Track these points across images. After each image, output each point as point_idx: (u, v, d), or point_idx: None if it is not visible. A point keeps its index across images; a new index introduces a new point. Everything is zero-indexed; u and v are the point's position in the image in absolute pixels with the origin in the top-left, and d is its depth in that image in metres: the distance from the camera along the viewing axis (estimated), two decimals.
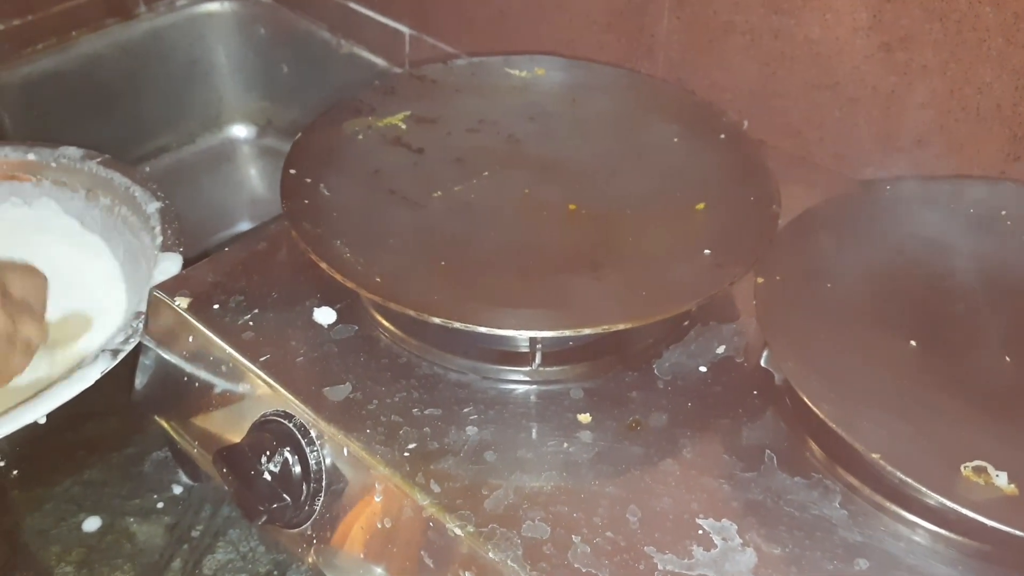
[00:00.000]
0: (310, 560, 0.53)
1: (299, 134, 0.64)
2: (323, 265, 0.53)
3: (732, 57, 0.77)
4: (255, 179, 1.15)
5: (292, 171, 0.60)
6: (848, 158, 0.73)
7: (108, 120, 1.04)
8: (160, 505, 0.63)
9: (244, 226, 1.10)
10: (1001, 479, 0.43)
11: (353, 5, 1.02)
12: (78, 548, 0.61)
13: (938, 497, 0.42)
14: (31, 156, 0.76)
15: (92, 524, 0.62)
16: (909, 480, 0.42)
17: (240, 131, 1.14)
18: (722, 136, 0.65)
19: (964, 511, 0.41)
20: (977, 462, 0.43)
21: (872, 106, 0.71)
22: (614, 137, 0.67)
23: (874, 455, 0.43)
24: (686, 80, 0.80)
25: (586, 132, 0.67)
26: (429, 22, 0.96)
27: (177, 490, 0.64)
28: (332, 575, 0.52)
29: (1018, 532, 0.40)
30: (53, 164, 0.75)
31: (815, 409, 0.45)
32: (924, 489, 0.42)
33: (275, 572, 0.59)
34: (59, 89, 0.99)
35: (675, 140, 0.66)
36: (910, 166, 0.70)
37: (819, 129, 0.74)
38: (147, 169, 1.08)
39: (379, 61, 1.01)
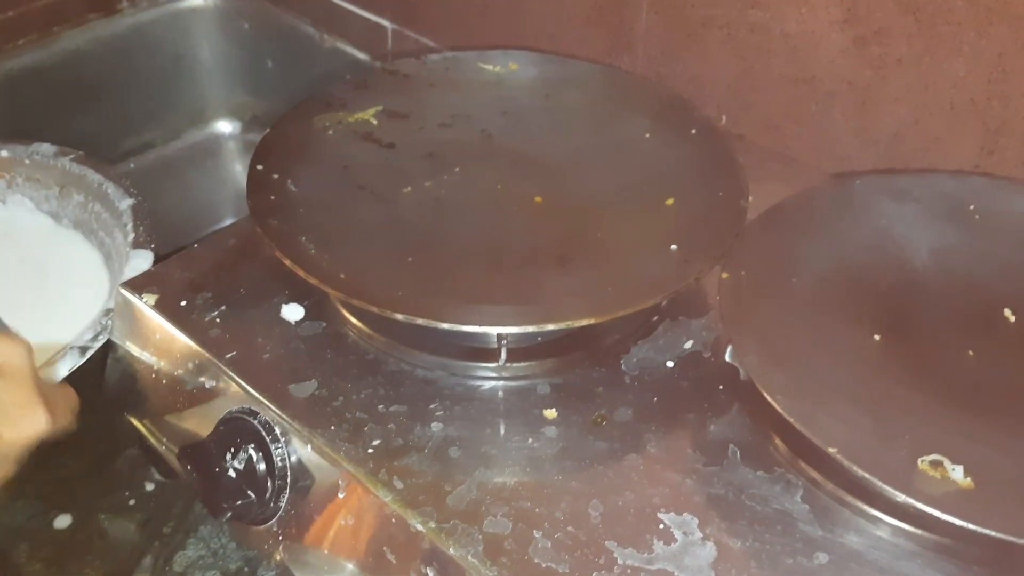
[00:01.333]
0: (277, 557, 0.53)
1: (268, 129, 0.63)
2: (287, 262, 0.52)
3: (710, 51, 0.77)
4: (240, 175, 1.15)
5: (259, 167, 0.60)
6: (825, 152, 0.73)
7: (92, 116, 1.04)
8: (132, 502, 0.63)
9: (229, 222, 1.10)
10: (957, 473, 0.43)
11: (336, 0, 1.02)
12: (48, 545, 0.61)
13: (893, 491, 0.42)
14: (4, 153, 0.76)
15: (63, 521, 0.62)
16: (865, 474, 0.42)
17: (225, 126, 1.14)
18: (694, 131, 0.65)
19: (919, 505, 0.41)
20: (934, 456, 0.43)
21: (848, 100, 0.71)
22: (586, 132, 0.67)
23: (831, 449, 0.43)
24: (665, 75, 0.80)
25: (559, 127, 0.67)
26: (411, 17, 0.96)
27: (149, 487, 0.64)
28: (299, 571, 0.53)
29: (971, 525, 0.40)
30: (27, 161, 0.75)
31: (773, 402, 0.45)
32: (880, 483, 0.42)
33: (245, 568, 0.59)
34: (42, 85, 0.99)
35: (647, 135, 0.65)
36: (886, 160, 0.70)
37: (796, 123, 0.74)
38: (131, 165, 1.08)
39: (362, 56, 1.01)
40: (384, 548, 0.48)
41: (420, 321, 0.49)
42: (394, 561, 0.48)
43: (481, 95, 0.70)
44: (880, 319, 0.52)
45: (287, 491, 0.52)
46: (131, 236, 0.66)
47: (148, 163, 1.10)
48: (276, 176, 0.60)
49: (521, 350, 0.54)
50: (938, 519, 0.42)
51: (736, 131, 0.77)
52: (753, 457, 0.49)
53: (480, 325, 0.50)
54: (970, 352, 0.50)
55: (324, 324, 0.57)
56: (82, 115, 1.03)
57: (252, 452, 0.51)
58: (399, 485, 0.48)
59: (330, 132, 0.65)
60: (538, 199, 0.60)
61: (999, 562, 0.44)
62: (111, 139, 1.06)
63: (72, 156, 0.74)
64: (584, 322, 0.50)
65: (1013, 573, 0.44)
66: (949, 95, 0.65)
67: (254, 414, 0.52)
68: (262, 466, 0.51)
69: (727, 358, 0.52)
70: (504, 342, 0.53)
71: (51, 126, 0.99)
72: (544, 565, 0.44)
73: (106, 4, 1.03)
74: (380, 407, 0.52)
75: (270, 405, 0.52)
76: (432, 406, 0.52)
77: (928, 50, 0.65)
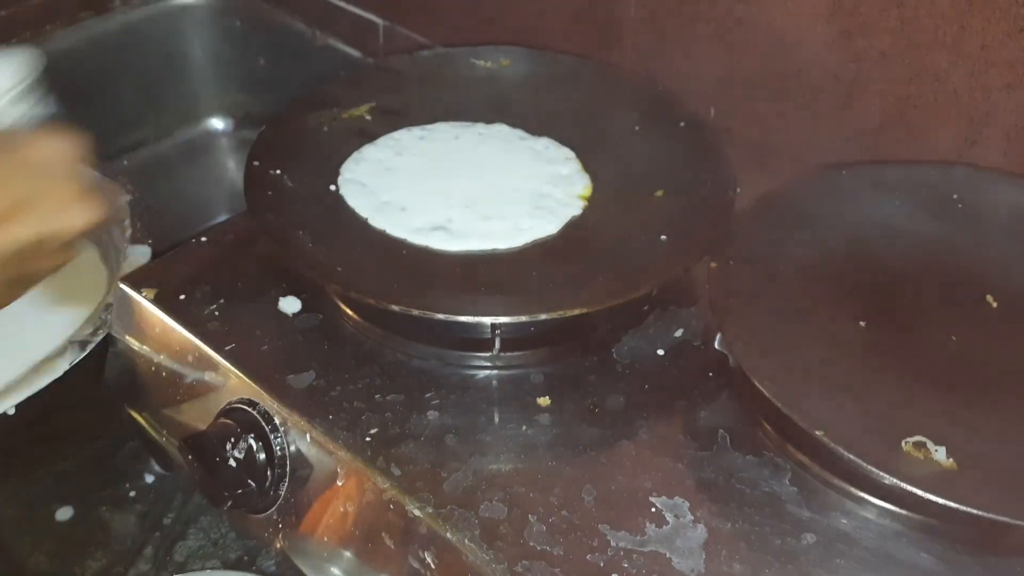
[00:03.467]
0: (278, 545, 0.54)
1: (263, 126, 0.64)
2: (284, 255, 0.53)
3: (698, 46, 0.78)
4: (233, 171, 1.15)
5: (256, 163, 0.61)
6: (811, 144, 0.74)
7: (85, 114, 1.03)
8: (132, 494, 0.64)
9: (222, 218, 1.11)
10: (940, 454, 0.44)
11: None
12: (51, 538, 0.61)
13: (878, 472, 0.43)
14: None
15: (65, 514, 0.63)
16: (851, 456, 0.43)
17: (217, 124, 1.14)
18: (682, 124, 0.66)
19: (903, 485, 0.42)
20: (917, 437, 0.45)
21: (834, 93, 0.72)
22: (577, 126, 0.67)
23: (817, 432, 0.44)
24: (654, 69, 0.81)
25: (550, 121, 0.68)
26: (402, 13, 0.97)
27: (149, 479, 0.65)
28: (298, 559, 0.53)
29: (954, 504, 0.41)
30: None
31: (760, 388, 0.46)
32: (865, 465, 0.43)
33: (245, 557, 0.60)
34: None
35: (636, 128, 0.66)
36: (871, 151, 0.71)
37: (783, 116, 0.75)
38: (125, 163, 1.09)
39: (353, 52, 1.01)
40: (382, 534, 0.49)
41: (416, 312, 0.50)
42: (392, 546, 0.49)
43: (473, 91, 0.71)
44: (865, 306, 0.53)
45: (286, 480, 0.52)
46: (128, 232, 0.67)
47: (141, 161, 1.10)
48: (272, 172, 0.61)
49: (515, 340, 0.55)
50: (922, 499, 0.43)
51: (724, 124, 0.78)
52: (742, 442, 0.50)
53: (474, 315, 0.51)
54: (953, 337, 0.51)
55: (321, 316, 0.58)
56: (75, 113, 1.02)
57: (252, 442, 0.52)
58: (396, 472, 0.49)
59: (325, 129, 0.66)
60: None
61: (981, 541, 0.46)
62: (104, 137, 1.06)
63: None
64: (576, 312, 0.51)
65: (994, 552, 0.45)
66: (932, 87, 0.66)
67: (254, 404, 0.53)
68: (262, 455, 0.52)
69: (716, 346, 0.53)
70: (498, 332, 0.54)
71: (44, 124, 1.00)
72: (539, 548, 0.45)
73: (99, 2, 1.04)
74: (377, 396, 0.53)
75: (269, 396, 0.53)
76: (428, 395, 0.53)
77: (911, 43, 0.66)
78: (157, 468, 0.65)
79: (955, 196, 0.60)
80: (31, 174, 0.43)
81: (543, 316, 0.51)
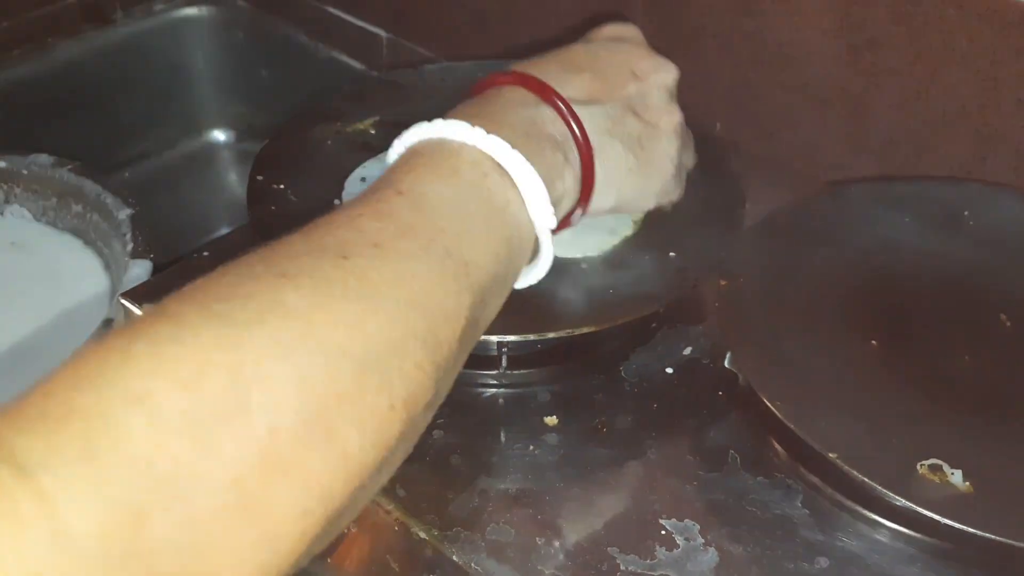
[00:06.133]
0: None
1: (265, 140, 0.64)
2: None
3: (705, 60, 0.77)
4: (235, 184, 1.15)
5: (259, 177, 0.60)
6: (820, 159, 0.74)
7: (87, 126, 1.04)
8: None
9: (224, 230, 1.10)
10: (956, 477, 0.43)
11: (330, 9, 1.02)
12: None
13: (893, 496, 0.42)
14: (2, 164, 0.76)
15: None
16: (865, 479, 0.43)
17: (219, 136, 1.14)
18: None
19: (918, 509, 0.42)
20: (933, 460, 0.44)
21: (842, 107, 0.71)
22: None
23: (831, 454, 0.43)
24: None
25: None
26: (406, 26, 0.97)
27: None
28: None
29: (970, 529, 0.41)
30: (24, 172, 0.76)
31: (772, 408, 0.45)
32: (879, 488, 0.42)
33: None
34: (36, 96, 0.99)
35: None
36: (879, 167, 0.71)
37: (791, 131, 0.75)
38: (127, 175, 1.08)
39: (357, 65, 1.01)
40: (387, 556, 0.48)
41: None
42: (397, 569, 0.48)
43: None
44: (877, 325, 0.52)
45: None
46: (129, 246, 0.67)
47: (143, 173, 1.10)
48: (276, 186, 0.60)
49: (521, 358, 0.55)
50: (937, 523, 0.42)
51: (731, 139, 0.78)
52: (753, 463, 0.50)
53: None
54: (967, 357, 0.51)
55: None
56: (77, 125, 1.03)
57: None
58: (401, 493, 0.48)
59: (328, 143, 0.65)
60: None
61: (998, 566, 0.45)
62: (106, 149, 1.06)
63: (70, 167, 0.75)
64: (584, 330, 0.50)
65: None
66: (941, 103, 0.66)
67: None
68: None
69: (726, 364, 0.52)
70: (504, 350, 0.53)
71: (46, 136, 0.99)
72: (548, 572, 0.45)
73: (100, 14, 1.03)
74: None
75: None
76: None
77: (920, 58, 0.66)
78: None
79: (966, 213, 0.59)
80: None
81: (551, 335, 0.50)
